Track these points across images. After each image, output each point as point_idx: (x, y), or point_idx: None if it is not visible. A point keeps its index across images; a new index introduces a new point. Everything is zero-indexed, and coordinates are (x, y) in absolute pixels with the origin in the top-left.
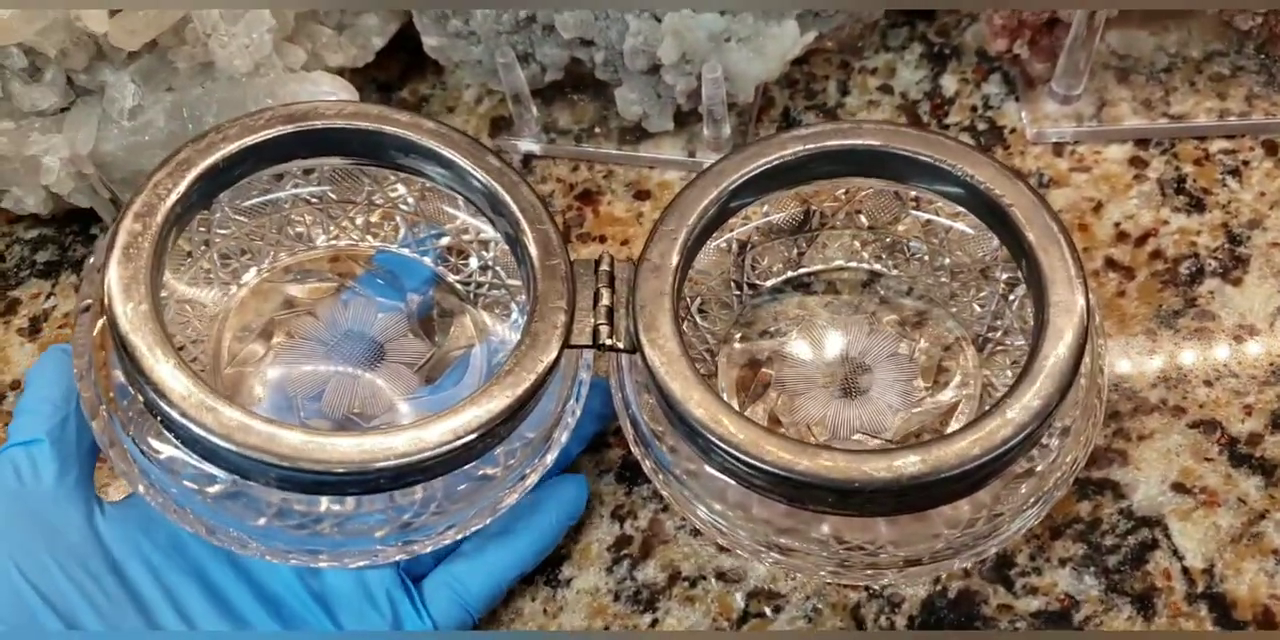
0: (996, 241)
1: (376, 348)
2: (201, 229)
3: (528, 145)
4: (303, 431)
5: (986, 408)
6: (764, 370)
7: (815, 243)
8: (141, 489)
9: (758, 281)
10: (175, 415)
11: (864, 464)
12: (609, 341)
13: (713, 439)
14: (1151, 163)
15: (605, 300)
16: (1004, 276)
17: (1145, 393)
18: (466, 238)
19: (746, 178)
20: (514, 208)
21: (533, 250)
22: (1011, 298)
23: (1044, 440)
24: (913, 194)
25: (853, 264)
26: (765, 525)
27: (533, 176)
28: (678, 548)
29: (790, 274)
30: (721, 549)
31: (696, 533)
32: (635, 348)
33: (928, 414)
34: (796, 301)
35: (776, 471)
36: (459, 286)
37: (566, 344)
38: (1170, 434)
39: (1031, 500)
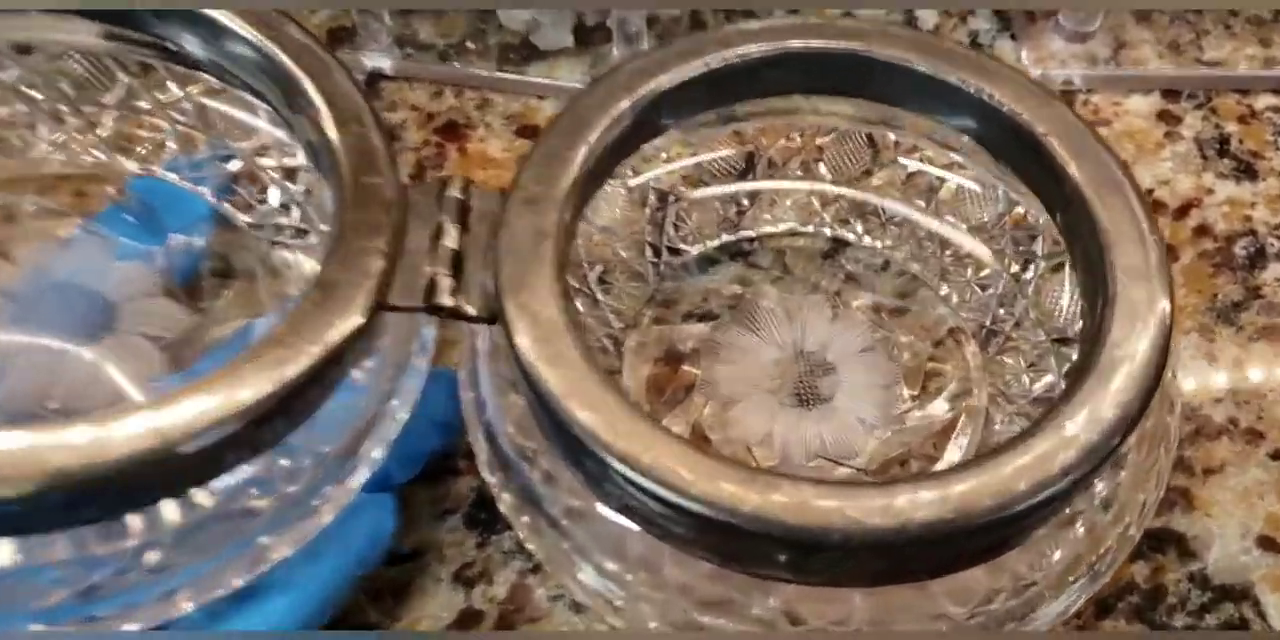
0: (1004, 201)
1: (105, 311)
2: None
3: (375, 61)
4: None
5: (1001, 426)
6: (686, 368)
7: (760, 199)
8: None
9: (682, 247)
10: None
11: (849, 502)
12: (450, 302)
13: (610, 460)
14: (1185, 118)
15: (450, 240)
16: (1018, 248)
17: (1207, 410)
18: (266, 163)
19: (674, 85)
20: (318, 100)
21: (343, 162)
22: (1027, 276)
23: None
24: (892, 137)
25: (810, 228)
26: (683, 596)
27: (378, 102)
28: (552, 627)
29: (726, 238)
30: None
31: (580, 607)
32: (495, 316)
33: (914, 433)
34: (734, 275)
35: (709, 513)
36: (248, 231)
37: (382, 304)
38: (1247, 467)
39: (1081, 566)
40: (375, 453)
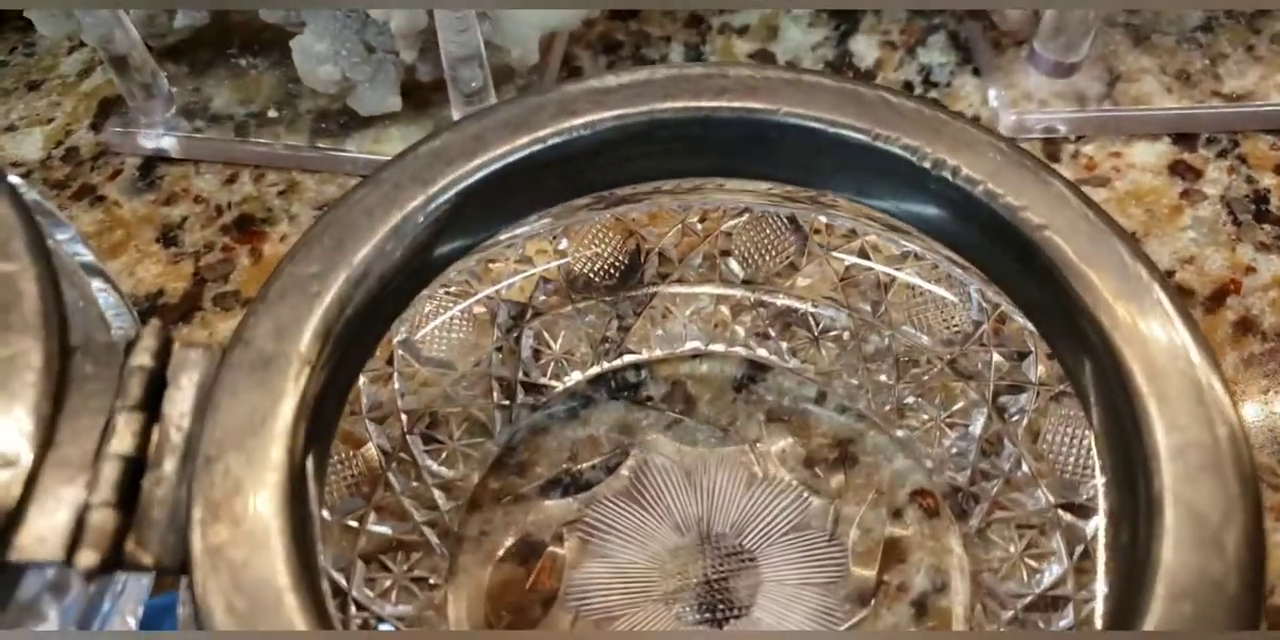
0: (978, 304)
1: None
2: None
3: (154, 140)
4: None
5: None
6: (545, 566)
7: (649, 310)
8: None
9: (544, 381)
10: None
11: None
12: (102, 551)
13: None
14: (1207, 171)
15: (124, 444)
16: (1003, 371)
17: None
18: None
19: (487, 176)
20: None
21: None
22: (1013, 413)
23: None
24: (821, 219)
25: (717, 348)
26: None
27: (155, 193)
28: None
29: (605, 366)
30: None
31: None
32: (182, 564)
33: None
34: (613, 419)
35: None
36: None
37: None
38: None
39: None
40: None
